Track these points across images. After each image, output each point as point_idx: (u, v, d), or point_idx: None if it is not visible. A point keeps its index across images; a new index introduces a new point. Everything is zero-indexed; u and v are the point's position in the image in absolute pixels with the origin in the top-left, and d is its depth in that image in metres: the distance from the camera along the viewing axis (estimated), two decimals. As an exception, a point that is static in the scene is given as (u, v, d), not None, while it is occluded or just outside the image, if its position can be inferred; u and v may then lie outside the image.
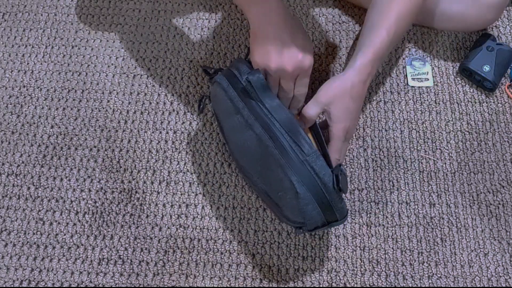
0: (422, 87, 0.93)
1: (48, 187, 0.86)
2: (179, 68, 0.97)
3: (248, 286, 0.77)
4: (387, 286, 0.77)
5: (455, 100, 0.92)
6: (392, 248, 0.79)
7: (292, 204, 0.68)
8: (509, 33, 0.98)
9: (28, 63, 0.98)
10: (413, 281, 0.77)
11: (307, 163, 0.66)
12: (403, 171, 0.86)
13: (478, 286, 0.76)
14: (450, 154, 0.87)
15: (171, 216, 0.83)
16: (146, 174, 0.86)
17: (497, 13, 0.88)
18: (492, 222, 0.81)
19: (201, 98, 0.85)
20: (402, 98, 0.92)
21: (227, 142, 0.80)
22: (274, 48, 0.70)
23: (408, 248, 0.79)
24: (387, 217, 0.82)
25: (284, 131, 0.68)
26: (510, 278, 0.77)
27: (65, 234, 0.82)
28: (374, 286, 0.77)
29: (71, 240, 0.81)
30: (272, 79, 0.73)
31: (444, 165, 0.86)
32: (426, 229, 0.81)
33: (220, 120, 0.80)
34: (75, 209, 0.83)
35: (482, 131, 0.89)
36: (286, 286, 0.77)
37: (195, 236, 0.81)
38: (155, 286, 0.77)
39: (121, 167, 0.87)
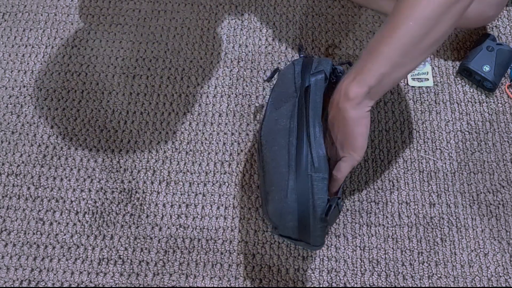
0: (422, 87, 0.93)
1: (48, 187, 0.86)
2: (179, 68, 0.97)
3: (248, 286, 0.77)
4: (387, 286, 0.77)
5: (455, 100, 0.92)
6: (392, 248, 0.79)
7: (277, 205, 0.68)
8: (509, 33, 0.98)
9: (28, 63, 0.98)
10: (413, 281, 0.77)
11: (310, 178, 0.66)
12: (403, 171, 0.85)
13: (478, 286, 0.76)
14: (450, 154, 0.87)
15: (171, 216, 0.83)
16: (146, 174, 0.86)
17: (497, 10, 0.88)
18: (492, 222, 0.81)
19: (276, 69, 0.85)
20: (402, 98, 0.92)
21: (265, 116, 0.80)
22: None
23: (408, 248, 0.79)
24: (387, 217, 0.82)
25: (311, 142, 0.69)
26: (510, 278, 0.77)
27: (65, 234, 0.82)
28: (374, 286, 0.77)
29: (71, 240, 0.81)
30: None
31: (444, 165, 0.86)
32: (426, 229, 0.81)
33: (272, 95, 0.81)
34: (75, 209, 0.83)
35: (482, 131, 0.89)
36: (286, 286, 0.77)
37: (195, 236, 0.81)
38: (155, 286, 0.77)
39: (121, 167, 0.87)
